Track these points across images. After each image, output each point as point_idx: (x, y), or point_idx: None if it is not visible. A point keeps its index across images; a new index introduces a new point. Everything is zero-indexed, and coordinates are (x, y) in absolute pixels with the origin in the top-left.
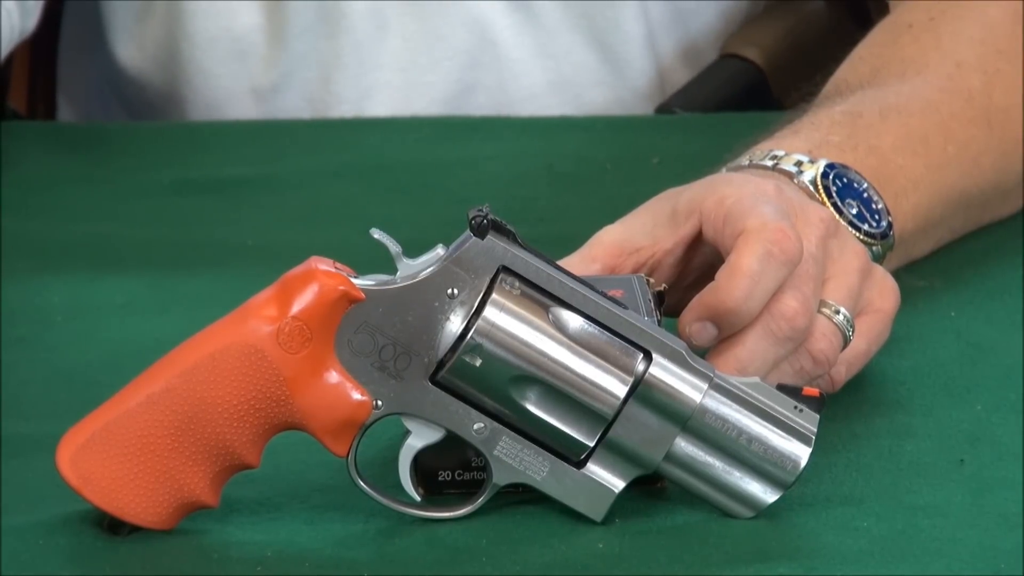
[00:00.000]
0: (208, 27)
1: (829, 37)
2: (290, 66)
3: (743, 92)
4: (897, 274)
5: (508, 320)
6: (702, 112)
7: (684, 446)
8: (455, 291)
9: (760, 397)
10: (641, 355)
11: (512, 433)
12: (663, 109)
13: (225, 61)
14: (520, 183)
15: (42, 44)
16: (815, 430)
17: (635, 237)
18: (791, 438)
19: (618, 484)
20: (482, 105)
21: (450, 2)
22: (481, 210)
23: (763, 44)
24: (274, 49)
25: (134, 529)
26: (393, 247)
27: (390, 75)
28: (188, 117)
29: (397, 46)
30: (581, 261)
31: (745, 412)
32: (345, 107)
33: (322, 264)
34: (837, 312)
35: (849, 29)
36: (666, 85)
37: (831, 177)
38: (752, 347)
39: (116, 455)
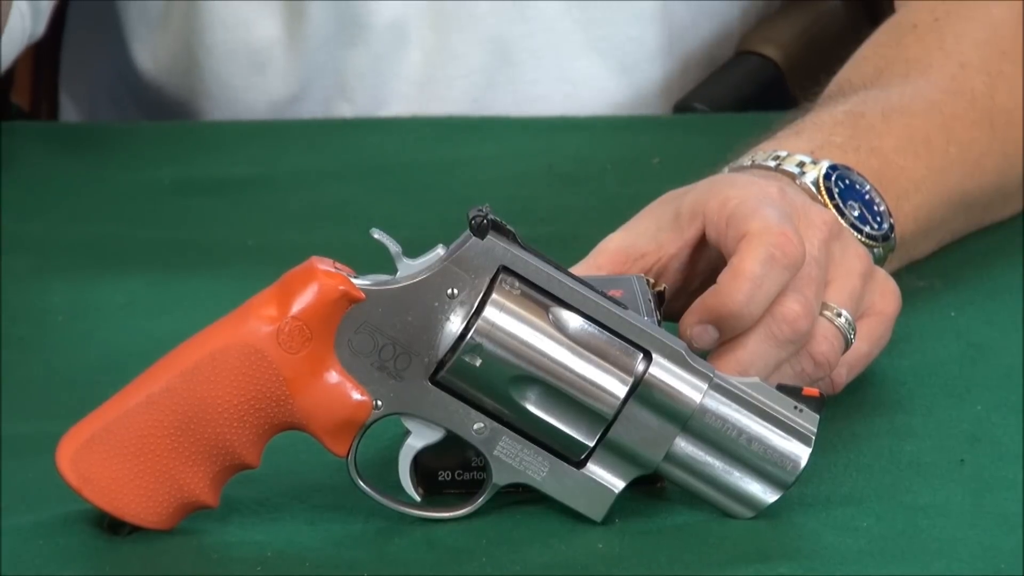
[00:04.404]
0: (227, 39)
1: (846, 34)
2: (308, 77)
3: (760, 89)
4: (897, 274)
5: (508, 320)
6: (720, 109)
7: (684, 446)
8: (455, 291)
9: (760, 397)
10: (641, 355)
11: (512, 433)
12: (682, 105)
13: (243, 73)
14: (520, 183)
15: (46, 43)
16: (815, 430)
17: (639, 243)
18: (791, 438)
19: (618, 484)
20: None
21: (469, 20)
22: (481, 210)
23: (781, 41)
24: (292, 61)
25: (134, 529)
26: (393, 247)
27: (407, 87)
28: None
29: (416, 59)
30: (586, 270)
31: (745, 412)
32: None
33: (322, 264)
34: (839, 315)
35: (865, 27)
36: (682, 89)
37: (833, 179)
38: (753, 350)
39: (116, 455)
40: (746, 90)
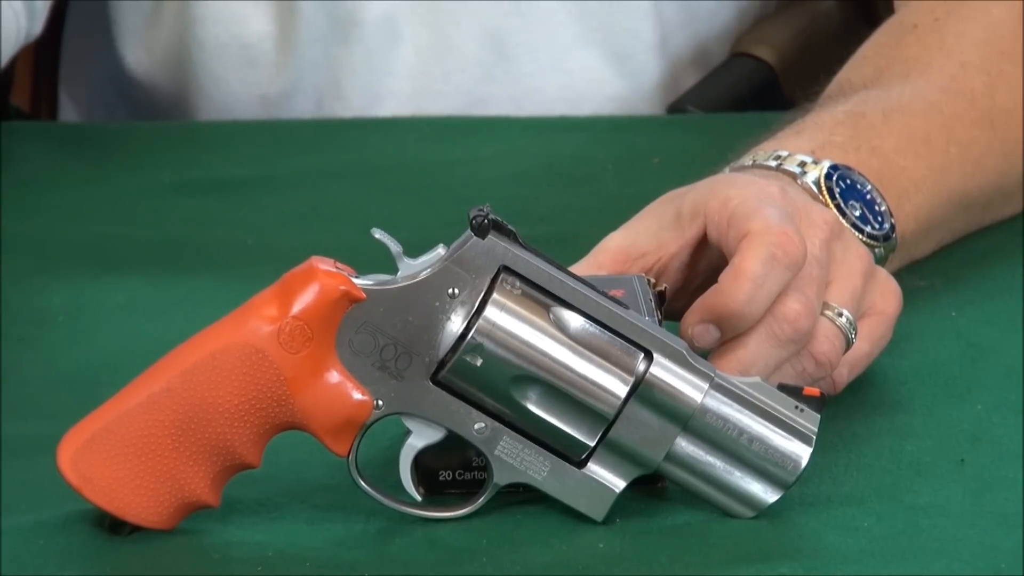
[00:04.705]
0: (218, 33)
1: (841, 36)
2: (300, 73)
3: (755, 91)
4: (898, 274)
5: (509, 320)
6: (714, 111)
7: (685, 446)
8: (456, 291)
9: (761, 397)
10: (642, 355)
11: (513, 433)
12: (675, 108)
13: (235, 68)
14: (521, 183)
15: (46, 43)
16: (816, 430)
17: (640, 242)
18: (792, 438)
19: (619, 484)
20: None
21: (463, 14)
22: (482, 210)
23: (775, 43)
24: (284, 56)
25: (135, 529)
26: (394, 247)
27: (401, 83)
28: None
29: (409, 54)
30: (587, 269)
31: (746, 412)
32: (354, 115)
33: (323, 264)
34: (840, 315)
35: (860, 28)
36: (677, 87)
37: (835, 178)
38: (754, 349)
39: (117, 455)
40: (740, 92)
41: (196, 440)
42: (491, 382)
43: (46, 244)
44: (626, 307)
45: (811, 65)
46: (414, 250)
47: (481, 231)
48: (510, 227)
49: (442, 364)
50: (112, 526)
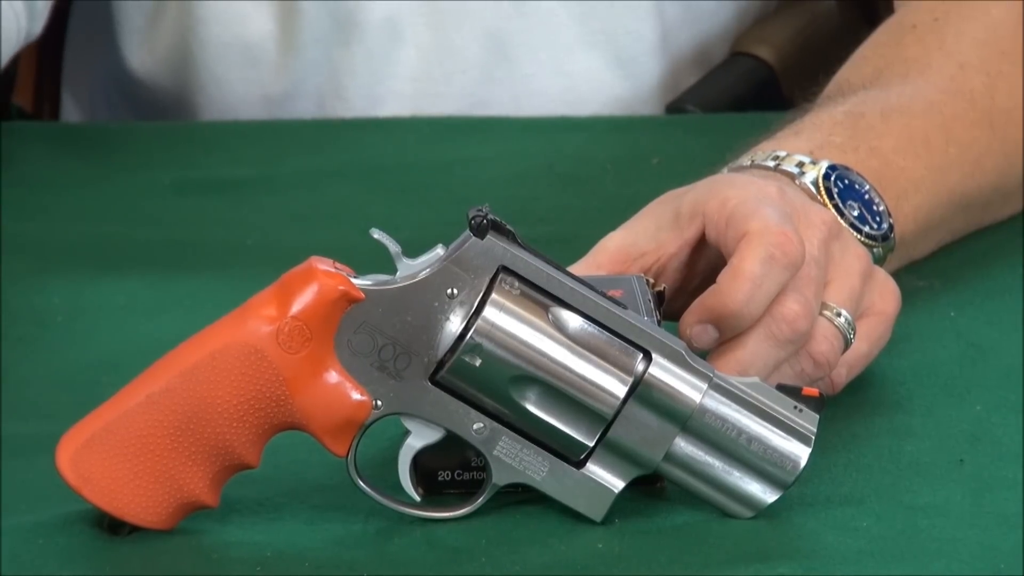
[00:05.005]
0: (220, 33)
1: (840, 36)
2: (302, 74)
3: (754, 90)
4: (897, 274)
5: (508, 320)
6: (713, 110)
7: (684, 446)
8: (455, 291)
9: (760, 397)
10: (641, 355)
11: (512, 433)
12: (674, 107)
13: (237, 68)
14: (520, 183)
15: (49, 43)
16: (815, 430)
17: (639, 242)
18: (791, 438)
19: (618, 484)
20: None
21: (465, 15)
22: (481, 210)
23: (774, 42)
24: (286, 56)
25: (134, 529)
26: (393, 247)
27: (402, 85)
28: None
29: (411, 56)
30: (586, 269)
31: (745, 412)
32: (355, 116)
33: (322, 264)
34: (838, 315)
35: (860, 28)
36: (678, 87)
37: (833, 179)
38: (753, 349)
39: (116, 455)
40: (739, 92)
41: (195, 440)
42: (490, 382)
43: (46, 244)
44: (625, 307)
45: (811, 64)
46: (413, 250)
47: (480, 231)
48: (509, 227)
49: (441, 364)
50: (111, 526)
